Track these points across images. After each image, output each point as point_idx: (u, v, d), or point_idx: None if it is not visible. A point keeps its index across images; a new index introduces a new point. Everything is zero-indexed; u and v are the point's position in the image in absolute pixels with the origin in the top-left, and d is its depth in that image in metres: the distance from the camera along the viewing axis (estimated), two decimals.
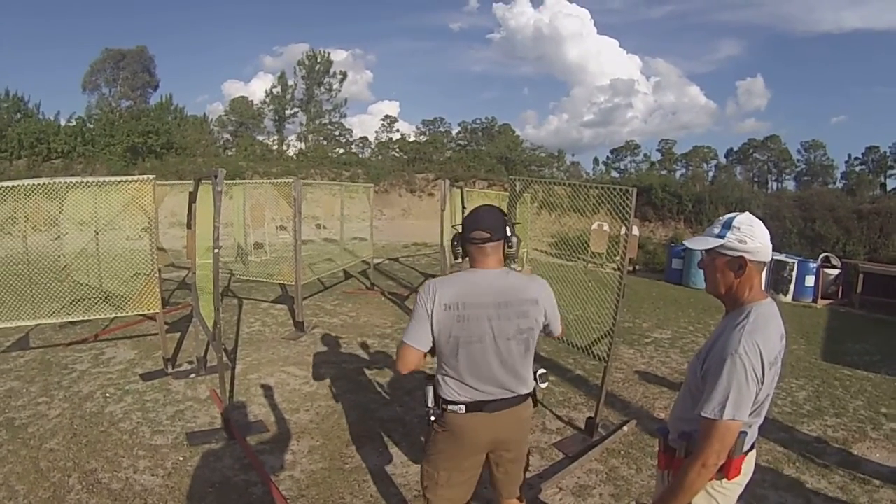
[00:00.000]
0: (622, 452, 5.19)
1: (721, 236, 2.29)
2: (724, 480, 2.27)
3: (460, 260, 2.87)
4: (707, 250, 2.35)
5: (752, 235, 2.24)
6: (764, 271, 2.34)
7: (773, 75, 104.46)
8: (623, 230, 5.33)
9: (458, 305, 2.69)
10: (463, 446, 2.86)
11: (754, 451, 2.43)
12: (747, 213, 2.35)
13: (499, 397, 2.82)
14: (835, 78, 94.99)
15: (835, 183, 58.86)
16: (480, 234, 2.76)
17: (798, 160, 64.02)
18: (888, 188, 55.98)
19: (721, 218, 2.37)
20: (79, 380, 6.43)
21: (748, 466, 2.37)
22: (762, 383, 2.13)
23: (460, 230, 2.86)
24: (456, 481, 2.93)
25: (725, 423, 2.07)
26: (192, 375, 6.58)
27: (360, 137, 60.58)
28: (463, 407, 2.77)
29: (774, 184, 62.55)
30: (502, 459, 3.00)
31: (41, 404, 5.74)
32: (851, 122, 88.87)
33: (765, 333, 2.17)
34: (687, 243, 2.57)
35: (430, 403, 2.83)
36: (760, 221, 2.30)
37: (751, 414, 2.17)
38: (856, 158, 61.99)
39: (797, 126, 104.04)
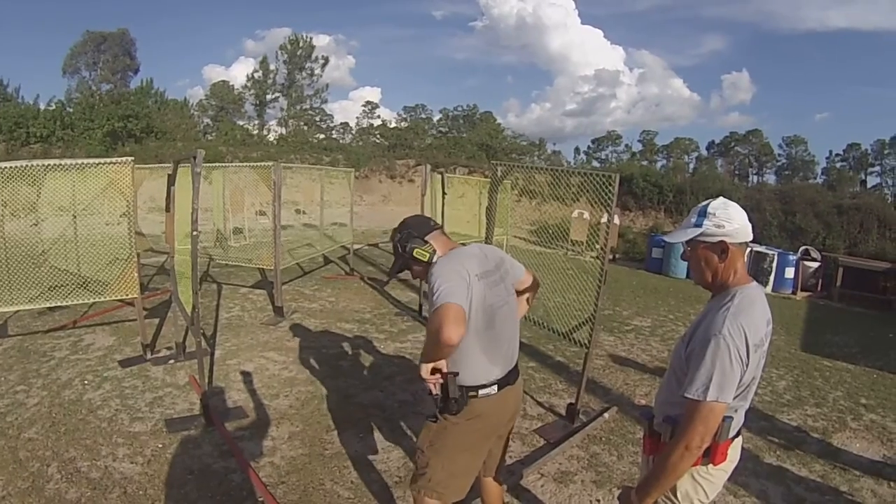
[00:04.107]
0: (603, 439, 5.22)
1: (698, 225, 2.29)
2: (710, 466, 2.27)
3: (431, 256, 2.78)
4: (688, 241, 2.35)
5: (728, 219, 2.24)
6: (746, 253, 2.33)
7: (758, 71, 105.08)
8: (605, 217, 5.33)
9: (486, 273, 2.72)
10: (490, 427, 2.86)
11: (740, 438, 2.42)
12: (721, 197, 2.37)
13: (513, 366, 2.89)
14: (819, 76, 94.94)
15: (815, 178, 59.40)
16: (436, 223, 2.91)
17: (779, 155, 64.47)
18: (868, 185, 56.66)
19: (696, 207, 2.38)
20: (57, 367, 6.35)
21: (734, 453, 2.37)
22: (747, 365, 2.12)
23: (405, 234, 2.83)
24: (474, 466, 2.93)
25: (709, 404, 2.06)
26: (171, 361, 6.53)
27: (341, 123, 60.35)
28: (496, 386, 2.76)
29: (755, 177, 63.03)
30: (505, 430, 3.05)
31: (19, 392, 5.66)
32: (834, 120, 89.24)
33: (749, 316, 2.16)
34: (667, 238, 2.57)
35: (455, 395, 2.62)
36: (735, 203, 2.31)
37: (736, 397, 2.15)
38: (837, 155, 62.65)
39: (780, 121, 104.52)
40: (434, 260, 2.74)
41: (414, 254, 2.75)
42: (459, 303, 2.44)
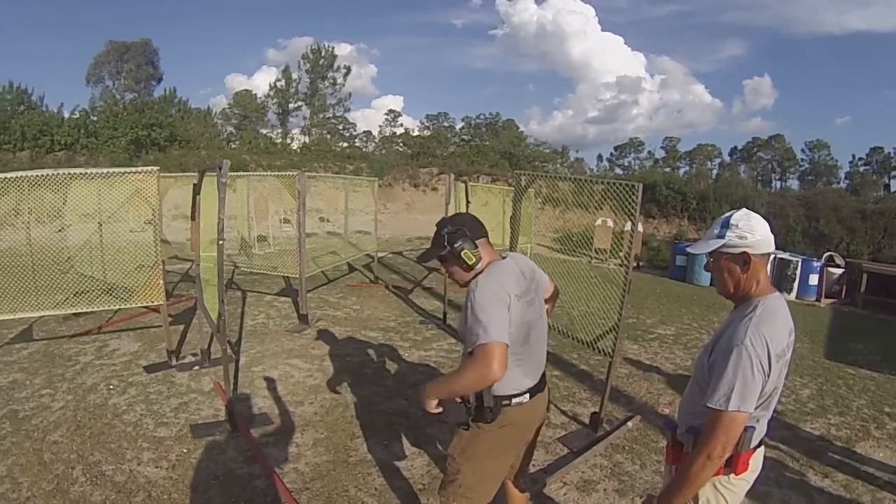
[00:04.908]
0: (626, 448, 5.19)
1: (721, 236, 2.31)
2: (732, 476, 2.28)
3: (476, 262, 2.74)
4: (711, 252, 2.37)
5: (751, 230, 2.26)
6: (769, 263, 2.34)
7: (779, 75, 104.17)
8: (628, 226, 5.32)
9: (524, 292, 2.72)
10: (521, 433, 2.89)
11: (762, 448, 2.43)
12: (743, 208, 2.39)
13: (542, 373, 2.93)
14: (840, 79, 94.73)
15: (839, 183, 58.77)
16: (485, 231, 2.87)
17: (802, 160, 63.97)
18: (892, 189, 55.97)
19: (718, 218, 2.40)
20: (82, 371, 6.43)
21: (756, 463, 2.38)
22: (769, 375, 2.13)
23: (457, 231, 2.76)
24: (503, 471, 2.94)
25: (731, 414, 2.07)
26: (196, 367, 6.58)
27: (364, 132, 60.48)
28: (528, 395, 2.78)
29: (778, 183, 62.51)
30: (532, 435, 3.06)
31: (45, 396, 5.74)
32: (856, 124, 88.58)
33: (772, 326, 2.17)
34: (690, 249, 2.60)
35: (490, 404, 2.65)
36: (757, 214, 2.32)
37: (758, 407, 2.17)
38: (860, 159, 61.98)
39: (802, 126, 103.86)
40: (477, 267, 2.73)
41: (461, 254, 2.70)
42: (505, 340, 2.42)
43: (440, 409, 2.63)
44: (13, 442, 4.77)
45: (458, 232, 2.74)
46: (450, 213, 9.53)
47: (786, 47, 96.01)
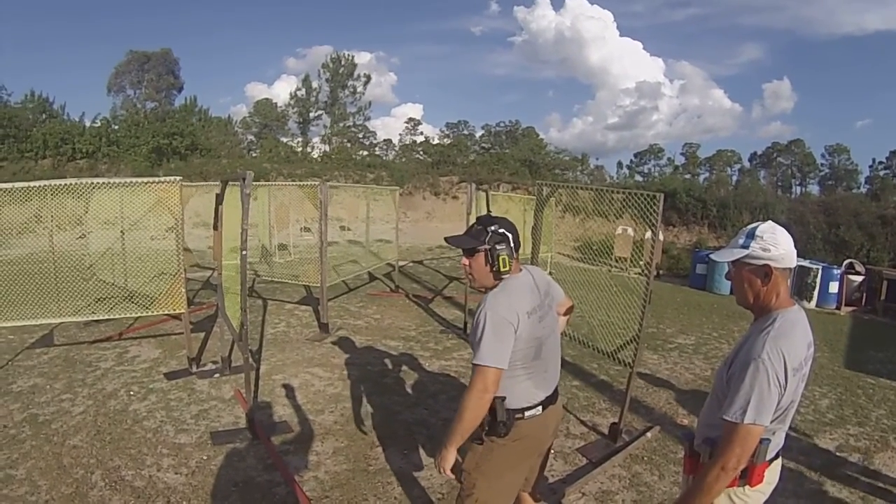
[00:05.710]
0: (645, 458, 5.16)
1: (745, 246, 2.32)
2: (747, 487, 2.29)
3: (507, 272, 2.76)
4: (733, 262, 2.38)
5: (775, 243, 2.27)
6: (789, 277, 2.35)
7: (798, 78, 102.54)
8: (648, 235, 5.29)
9: (536, 308, 2.76)
10: (534, 446, 2.91)
11: (779, 461, 2.43)
12: (769, 221, 2.39)
13: (555, 385, 2.95)
14: (859, 81, 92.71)
15: (859, 188, 57.74)
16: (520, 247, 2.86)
17: (822, 164, 63.11)
18: None
19: (744, 228, 2.41)
20: (103, 377, 6.50)
21: (772, 475, 2.38)
22: (785, 389, 2.15)
23: (502, 235, 2.76)
24: (518, 483, 2.95)
25: (746, 426, 2.09)
26: (217, 375, 6.62)
27: (384, 140, 60.22)
28: (541, 407, 2.80)
29: (798, 188, 61.81)
30: (546, 447, 3.09)
31: (65, 401, 5.81)
32: (876, 126, 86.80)
33: (789, 339, 2.18)
34: (713, 257, 2.60)
35: (503, 418, 2.68)
36: (783, 228, 2.33)
37: (774, 420, 2.19)
38: (880, 163, 60.85)
39: (822, 130, 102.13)
40: (502, 277, 2.75)
41: (499, 258, 2.71)
42: (501, 366, 2.56)
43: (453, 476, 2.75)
44: (33, 445, 4.84)
45: (503, 236, 2.75)
46: (470, 223, 9.54)
47: (804, 49, 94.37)
